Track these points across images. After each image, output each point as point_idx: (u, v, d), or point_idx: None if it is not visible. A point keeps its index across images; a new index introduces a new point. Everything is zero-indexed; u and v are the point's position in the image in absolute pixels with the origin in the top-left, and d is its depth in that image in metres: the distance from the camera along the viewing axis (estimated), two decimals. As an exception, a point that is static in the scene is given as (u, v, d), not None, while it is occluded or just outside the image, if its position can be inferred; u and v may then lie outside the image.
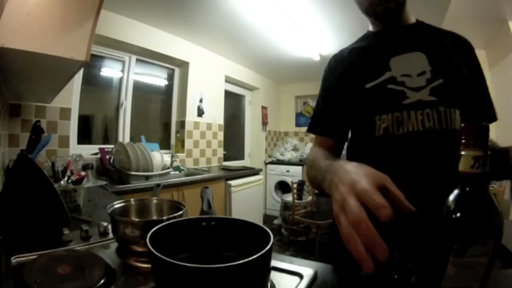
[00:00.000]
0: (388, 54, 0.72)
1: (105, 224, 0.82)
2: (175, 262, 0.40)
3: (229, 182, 2.81)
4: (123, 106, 2.75)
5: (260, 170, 3.48)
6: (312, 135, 0.86)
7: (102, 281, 0.53)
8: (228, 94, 3.96)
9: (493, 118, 0.76)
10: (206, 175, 2.67)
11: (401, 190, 0.47)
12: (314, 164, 0.66)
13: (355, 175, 0.41)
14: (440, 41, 0.73)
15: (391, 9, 0.70)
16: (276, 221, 4.08)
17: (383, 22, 0.76)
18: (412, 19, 0.78)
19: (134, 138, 2.73)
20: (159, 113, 3.32)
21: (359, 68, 0.76)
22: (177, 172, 2.61)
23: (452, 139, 0.63)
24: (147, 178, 2.13)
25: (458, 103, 0.67)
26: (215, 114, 3.61)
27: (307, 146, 4.77)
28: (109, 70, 2.72)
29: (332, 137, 0.80)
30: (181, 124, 3.21)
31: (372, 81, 0.71)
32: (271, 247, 0.46)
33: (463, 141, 0.35)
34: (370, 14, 0.75)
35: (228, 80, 3.88)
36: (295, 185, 3.17)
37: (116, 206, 0.77)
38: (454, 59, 0.70)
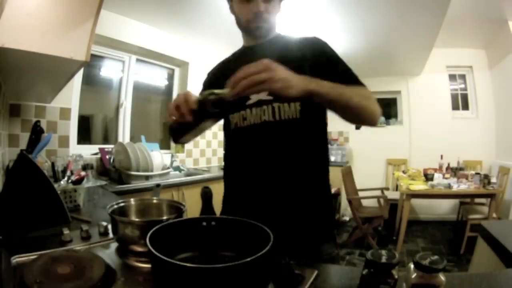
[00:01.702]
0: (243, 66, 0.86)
1: (105, 224, 0.82)
2: (175, 262, 0.40)
3: (229, 182, 2.81)
4: (123, 106, 2.75)
5: (260, 170, 3.47)
6: None
7: (102, 281, 0.53)
8: (228, 94, 3.96)
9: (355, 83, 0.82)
10: (206, 175, 2.67)
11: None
12: None
13: None
14: (288, 49, 0.88)
15: (262, 27, 0.87)
16: (276, 221, 4.07)
17: (255, 37, 0.91)
18: (274, 34, 0.94)
19: (134, 138, 2.73)
20: (159, 113, 3.31)
21: (221, 78, 0.93)
22: (177, 172, 2.61)
23: (283, 127, 0.82)
24: (147, 178, 2.13)
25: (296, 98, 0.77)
26: (215, 114, 3.60)
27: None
28: (109, 70, 2.72)
29: None
30: (181, 124, 3.20)
31: None
32: (271, 247, 0.46)
33: None
34: (246, 30, 0.92)
35: (228, 80, 3.87)
36: (295, 185, 3.17)
37: (116, 206, 0.77)
38: (294, 63, 0.80)
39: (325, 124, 0.92)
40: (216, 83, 0.95)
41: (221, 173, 2.86)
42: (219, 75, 0.97)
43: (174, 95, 3.27)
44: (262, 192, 0.85)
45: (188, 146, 3.22)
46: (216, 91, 0.67)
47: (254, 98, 0.84)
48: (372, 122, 0.81)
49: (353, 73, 0.85)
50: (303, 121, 0.82)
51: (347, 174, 3.41)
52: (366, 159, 4.45)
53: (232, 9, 0.93)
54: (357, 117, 0.79)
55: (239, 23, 0.92)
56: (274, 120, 0.83)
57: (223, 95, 0.65)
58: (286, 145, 0.83)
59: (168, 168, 2.39)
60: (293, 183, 0.83)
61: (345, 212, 4.03)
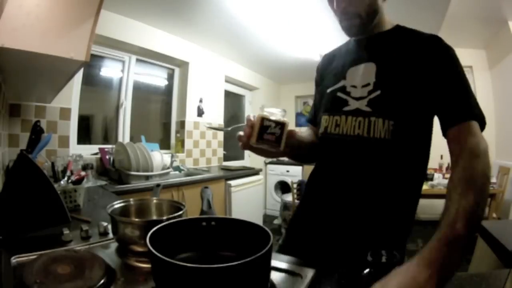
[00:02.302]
0: (347, 64, 0.82)
1: (105, 224, 0.82)
2: (175, 262, 0.40)
3: (229, 182, 2.81)
4: (123, 106, 2.75)
5: (260, 170, 3.48)
6: None
7: (102, 281, 0.53)
8: (228, 94, 3.96)
9: (468, 116, 0.66)
10: (206, 175, 2.67)
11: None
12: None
13: None
14: (401, 50, 0.74)
15: (355, 25, 0.75)
16: (276, 221, 4.08)
17: (350, 35, 0.82)
18: (388, 26, 0.80)
19: (134, 138, 2.73)
20: (159, 113, 3.31)
21: (327, 74, 0.90)
22: (177, 172, 2.61)
23: (374, 146, 0.71)
24: (147, 178, 2.13)
25: (392, 114, 0.70)
26: (215, 114, 3.61)
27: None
28: (109, 70, 2.72)
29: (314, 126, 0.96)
30: (181, 124, 3.21)
31: (331, 87, 0.84)
32: (271, 247, 0.46)
33: None
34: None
35: (228, 80, 3.88)
36: (295, 185, 3.17)
37: (116, 206, 0.77)
38: (405, 69, 0.71)
39: (424, 154, 0.76)
40: (324, 78, 0.91)
41: (221, 173, 2.89)
42: (322, 70, 0.94)
43: (174, 95, 3.27)
44: (340, 207, 0.77)
45: (188, 146, 3.22)
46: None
47: (352, 105, 0.76)
48: None
49: (471, 99, 0.66)
50: (394, 144, 0.70)
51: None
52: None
53: None
54: None
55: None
56: (368, 136, 0.72)
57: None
58: (372, 168, 0.73)
59: (168, 168, 2.39)
60: (373, 207, 0.74)
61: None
